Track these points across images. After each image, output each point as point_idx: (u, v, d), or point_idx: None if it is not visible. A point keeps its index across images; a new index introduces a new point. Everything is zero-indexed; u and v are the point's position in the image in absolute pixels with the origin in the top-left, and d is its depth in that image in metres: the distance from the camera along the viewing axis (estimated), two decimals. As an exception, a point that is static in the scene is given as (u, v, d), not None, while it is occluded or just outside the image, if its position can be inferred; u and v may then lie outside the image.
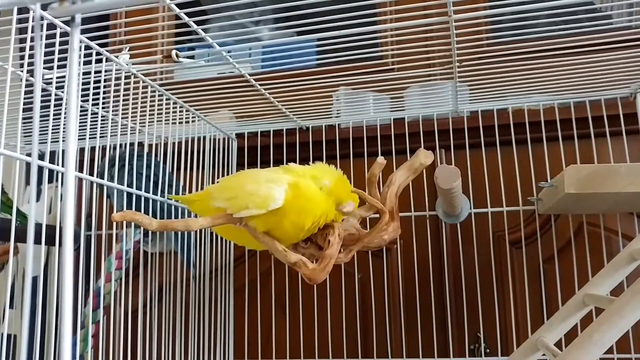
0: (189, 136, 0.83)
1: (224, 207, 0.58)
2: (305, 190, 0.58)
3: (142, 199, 0.68)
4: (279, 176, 0.59)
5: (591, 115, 0.84)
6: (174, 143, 0.81)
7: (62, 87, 0.62)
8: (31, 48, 0.53)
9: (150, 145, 0.90)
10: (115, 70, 0.66)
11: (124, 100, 0.71)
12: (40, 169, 0.53)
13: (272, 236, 0.59)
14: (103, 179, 0.68)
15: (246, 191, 0.57)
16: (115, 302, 0.70)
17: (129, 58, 0.67)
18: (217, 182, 0.64)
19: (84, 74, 0.62)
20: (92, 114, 0.65)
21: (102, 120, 0.77)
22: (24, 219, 0.83)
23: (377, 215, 0.64)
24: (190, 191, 0.83)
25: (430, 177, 0.83)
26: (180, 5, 0.57)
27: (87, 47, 0.61)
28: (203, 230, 0.87)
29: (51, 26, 0.55)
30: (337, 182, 0.62)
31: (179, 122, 0.81)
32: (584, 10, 0.98)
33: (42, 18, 0.52)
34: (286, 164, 0.65)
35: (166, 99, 0.77)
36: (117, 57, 0.66)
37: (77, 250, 0.74)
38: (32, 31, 0.52)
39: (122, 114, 0.70)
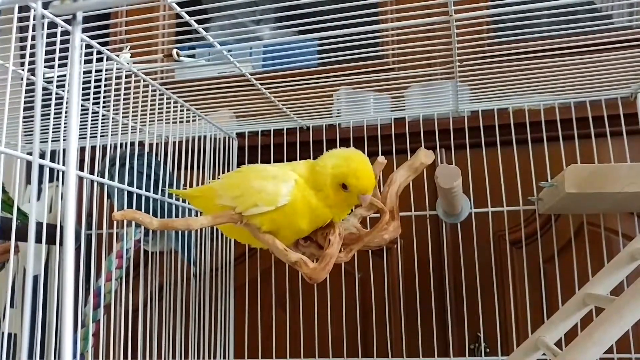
0: (189, 135, 0.83)
1: (231, 206, 0.58)
2: (305, 197, 0.58)
3: (143, 198, 0.68)
4: (285, 172, 0.59)
5: (592, 115, 0.84)
6: (174, 142, 0.81)
7: (63, 86, 0.62)
8: (32, 47, 0.53)
9: (150, 145, 0.90)
10: (116, 69, 0.66)
11: (124, 99, 0.71)
12: (41, 168, 0.53)
13: (276, 234, 0.59)
14: (103, 177, 0.68)
15: (253, 188, 0.57)
16: (115, 301, 0.70)
17: (130, 57, 0.67)
18: (220, 179, 0.64)
19: (85, 72, 0.62)
20: (92, 113, 0.65)
21: (102, 119, 0.77)
22: (25, 217, 0.83)
23: (378, 215, 0.64)
24: (190, 190, 0.83)
25: (431, 176, 0.83)
26: (181, 4, 0.57)
27: (88, 46, 0.61)
28: (204, 229, 0.87)
29: (51, 25, 0.55)
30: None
31: (180, 121, 0.81)
32: (584, 10, 0.98)
33: (42, 17, 0.52)
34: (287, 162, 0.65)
35: (167, 98, 0.77)
36: (117, 56, 0.66)
37: (77, 249, 0.74)
38: (33, 30, 0.52)
39: (123, 113, 0.70)
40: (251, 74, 0.77)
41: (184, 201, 0.77)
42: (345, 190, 0.56)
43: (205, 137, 0.90)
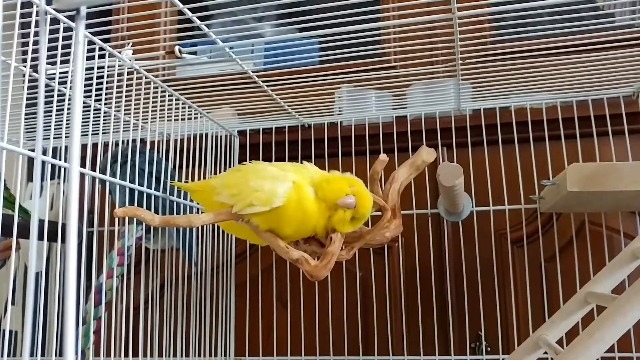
0: (191, 133, 0.83)
1: (228, 203, 0.58)
2: (303, 197, 0.57)
3: (144, 195, 0.68)
4: (285, 174, 0.59)
5: (593, 114, 0.84)
6: (176, 140, 0.81)
7: (65, 82, 0.62)
8: (35, 43, 0.53)
9: (152, 142, 0.89)
10: (118, 66, 0.66)
11: (126, 96, 0.71)
12: (43, 165, 0.53)
13: (275, 234, 0.59)
14: (105, 175, 0.68)
15: (250, 187, 0.57)
16: (116, 299, 0.70)
17: (132, 54, 0.67)
18: (221, 175, 0.64)
19: (87, 69, 0.62)
20: (94, 110, 0.65)
21: (104, 116, 0.77)
22: (26, 214, 0.83)
23: (379, 213, 0.64)
24: (192, 188, 0.83)
25: (433, 174, 0.83)
26: (183, 1, 0.57)
27: (90, 43, 0.61)
28: (205, 227, 0.87)
29: (53, 22, 0.55)
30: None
31: (181, 119, 0.81)
32: (586, 8, 0.98)
33: (45, 12, 0.52)
34: (288, 161, 0.65)
35: (169, 95, 0.77)
36: (119, 52, 0.66)
37: (78, 246, 0.74)
38: (36, 26, 0.52)
39: (125, 110, 0.70)
40: (253, 72, 0.77)
41: (185, 199, 0.77)
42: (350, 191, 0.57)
43: (206, 134, 0.90)
